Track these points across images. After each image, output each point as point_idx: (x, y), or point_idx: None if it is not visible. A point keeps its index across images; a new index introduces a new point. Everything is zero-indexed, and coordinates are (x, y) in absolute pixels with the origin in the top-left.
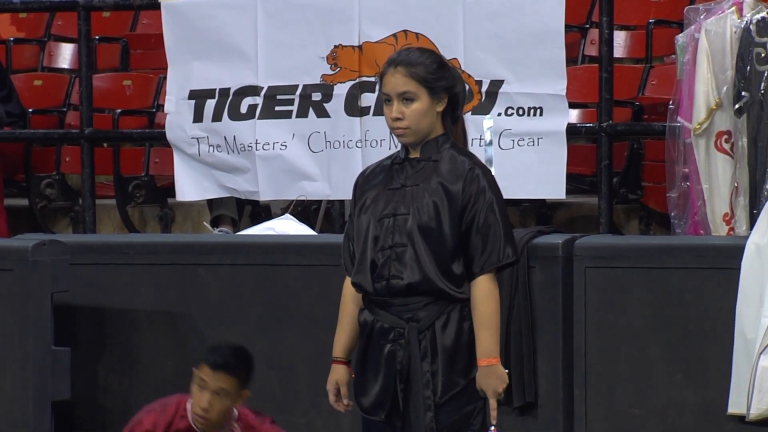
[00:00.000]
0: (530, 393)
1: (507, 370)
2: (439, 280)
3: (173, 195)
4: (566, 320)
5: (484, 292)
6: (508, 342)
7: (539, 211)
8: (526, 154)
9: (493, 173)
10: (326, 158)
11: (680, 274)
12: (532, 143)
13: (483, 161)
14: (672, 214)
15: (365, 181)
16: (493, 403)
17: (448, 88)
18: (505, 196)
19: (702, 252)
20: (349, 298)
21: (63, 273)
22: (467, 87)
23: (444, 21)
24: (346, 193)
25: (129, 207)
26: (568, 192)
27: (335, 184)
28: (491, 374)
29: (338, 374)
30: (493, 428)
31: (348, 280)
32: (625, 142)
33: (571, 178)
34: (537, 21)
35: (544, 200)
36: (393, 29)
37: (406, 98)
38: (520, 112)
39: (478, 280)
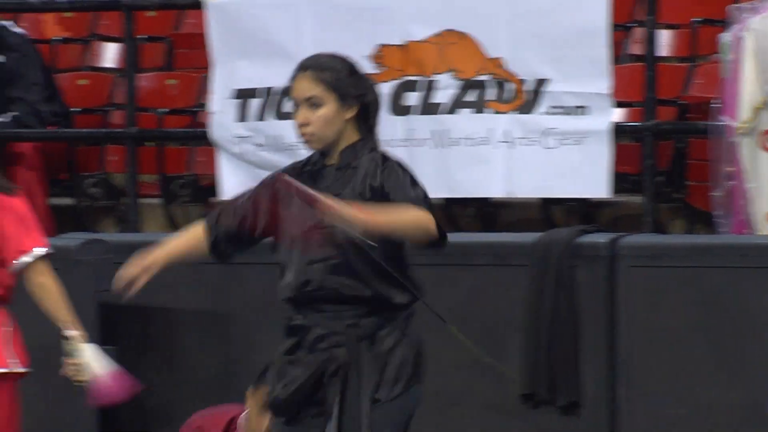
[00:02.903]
0: (574, 392)
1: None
2: (375, 286)
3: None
4: (610, 319)
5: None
6: (552, 341)
7: (583, 210)
8: (570, 153)
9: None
10: None
11: (724, 273)
12: (576, 142)
13: None
14: (716, 213)
15: None
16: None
17: (358, 96)
18: (549, 195)
19: (746, 251)
20: (191, 234)
21: (107, 272)
22: (513, 86)
23: (488, 20)
24: None
25: (173, 206)
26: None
27: None
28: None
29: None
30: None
31: (198, 225)
32: (669, 141)
33: (614, 176)
34: (581, 19)
35: (587, 199)
36: (437, 28)
37: (313, 103)
38: (564, 111)
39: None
